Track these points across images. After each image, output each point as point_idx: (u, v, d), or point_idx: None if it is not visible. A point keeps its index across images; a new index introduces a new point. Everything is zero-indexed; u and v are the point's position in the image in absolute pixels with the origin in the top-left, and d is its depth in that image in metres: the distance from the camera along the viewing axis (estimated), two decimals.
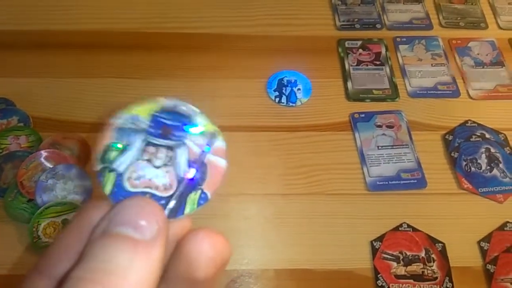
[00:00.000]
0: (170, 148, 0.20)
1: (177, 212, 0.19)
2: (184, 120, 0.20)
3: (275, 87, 0.62)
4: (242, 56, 0.66)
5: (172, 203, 0.19)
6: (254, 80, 0.63)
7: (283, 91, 0.61)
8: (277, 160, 0.56)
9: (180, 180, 0.19)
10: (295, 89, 0.61)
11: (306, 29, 0.69)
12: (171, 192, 0.19)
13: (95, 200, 0.19)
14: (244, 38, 0.67)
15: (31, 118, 0.58)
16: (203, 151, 0.20)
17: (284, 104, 0.60)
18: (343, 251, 0.50)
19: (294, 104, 0.60)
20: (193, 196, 0.19)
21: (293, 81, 0.62)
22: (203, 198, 0.20)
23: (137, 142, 0.19)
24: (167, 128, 0.20)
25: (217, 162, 0.20)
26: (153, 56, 0.65)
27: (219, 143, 0.20)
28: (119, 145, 0.19)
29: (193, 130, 0.20)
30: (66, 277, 0.15)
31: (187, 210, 0.19)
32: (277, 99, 0.61)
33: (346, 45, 0.67)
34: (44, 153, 0.52)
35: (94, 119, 0.59)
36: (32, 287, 0.17)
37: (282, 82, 0.62)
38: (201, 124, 0.20)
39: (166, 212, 0.19)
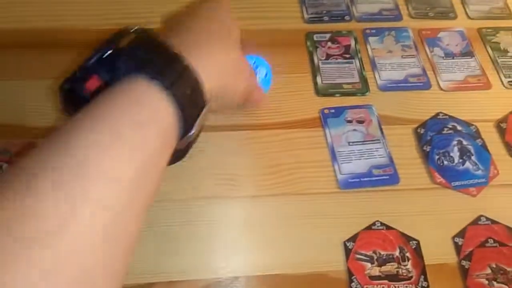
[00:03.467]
0: None
1: None
2: None
3: None
4: None
5: None
6: None
7: None
8: (245, 160, 0.54)
9: None
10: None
11: (273, 22, 0.66)
12: None
13: None
14: None
15: None
16: None
17: None
18: (316, 253, 0.48)
19: None
20: None
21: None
22: None
23: None
24: None
25: None
26: None
27: None
28: None
29: None
30: None
31: None
32: None
33: (315, 39, 0.65)
34: None
35: (44, 124, 0.55)
36: None
37: None
38: None
39: None
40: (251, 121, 0.57)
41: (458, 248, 0.49)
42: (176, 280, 0.45)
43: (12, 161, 0.49)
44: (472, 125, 0.58)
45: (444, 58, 0.64)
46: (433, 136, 0.56)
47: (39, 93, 0.57)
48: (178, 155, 0.36)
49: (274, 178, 0.53)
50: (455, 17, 0.70)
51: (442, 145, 0.56)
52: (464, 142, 0.56)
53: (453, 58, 0.64)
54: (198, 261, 0.47)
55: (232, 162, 0.54)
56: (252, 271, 0.47)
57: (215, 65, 0.39)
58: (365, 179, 0.53)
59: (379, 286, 0.46)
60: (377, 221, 0.50)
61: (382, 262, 0.47)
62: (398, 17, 0.69)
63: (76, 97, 0.33)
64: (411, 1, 0.71)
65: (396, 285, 0.46)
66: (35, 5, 0.65)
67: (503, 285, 0.46)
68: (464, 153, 0.55)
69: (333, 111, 0.58)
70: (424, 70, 0.63)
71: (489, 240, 0.49)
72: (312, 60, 0.63)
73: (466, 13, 0.70)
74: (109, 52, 0.34)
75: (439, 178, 0.53)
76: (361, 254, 0.48)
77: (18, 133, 0.54)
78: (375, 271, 0.47)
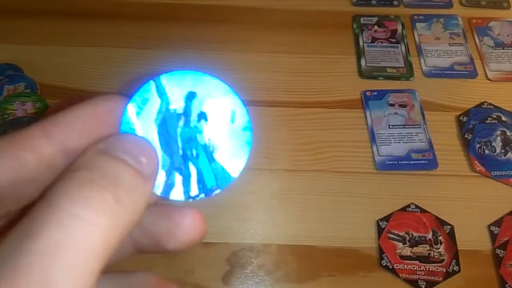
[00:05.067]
0: None
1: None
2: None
3: None
4: (256, 30, 0.64)
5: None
6: (264, 54, 0.61)
7: None
8: (285, 135, 0.55)
9: None
10: None
11: (321, 3, 0.67)
12: None
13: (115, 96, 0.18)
14: (258, 11, 0.66)
15: (38, 85, 0.57)
16: None
17: None
18: (348, 229, 0.49)
19: None
20: None
21: None
22: None
23: None
24: None
25: None
26: (165, 27, 0.64)
27: None
28: None
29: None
30: (68, 173, 0.15)
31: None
32: None
33: (362, 21, 0.65)
34: None
35: (101, 88, 0.58)
36: (34, 141, 0.16)
37: None
38: None
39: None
40: (292, 98, 0.58)
41: (493, 236, 0.48)
42: (213, 242, 0.47)
43: None
44: None
45: (494, 48, 0.63)
46: (476, 124, 0.56)
47: (96, 59, 0.60)
48: None
49: (310, 154, 0.54)
50: (508, 7, 0.68)
51: (484, 134, 0.55)
52: (508, 133, 0.55)
53: (503, 48, 0.63)
54: (235, 226, 0.49)
55: (269, 136, 0.55)
56: (284, 240, 0.48)
57: None
58: (403, 162, 0.53)
59: (409, 266, 0.46)
60: (412, 203, 0.50)
61: (414, 243, 0.48)
62: (449, 4, 0.68)
63: None
64: None
65: (427, 267, 0.46)
66: None
67: None
68: (507, 144, 0.54)
69: (375, 93, 0.58)
70: (471, 58, 0.62)
71: None
72: (357, 43, 0.63)
73: None
74: None
75: (479, 167, 0.53)
76: (393, 234, 0.48)
77: (75, 96, 0.57)
78: (407, 251, 0.47)
